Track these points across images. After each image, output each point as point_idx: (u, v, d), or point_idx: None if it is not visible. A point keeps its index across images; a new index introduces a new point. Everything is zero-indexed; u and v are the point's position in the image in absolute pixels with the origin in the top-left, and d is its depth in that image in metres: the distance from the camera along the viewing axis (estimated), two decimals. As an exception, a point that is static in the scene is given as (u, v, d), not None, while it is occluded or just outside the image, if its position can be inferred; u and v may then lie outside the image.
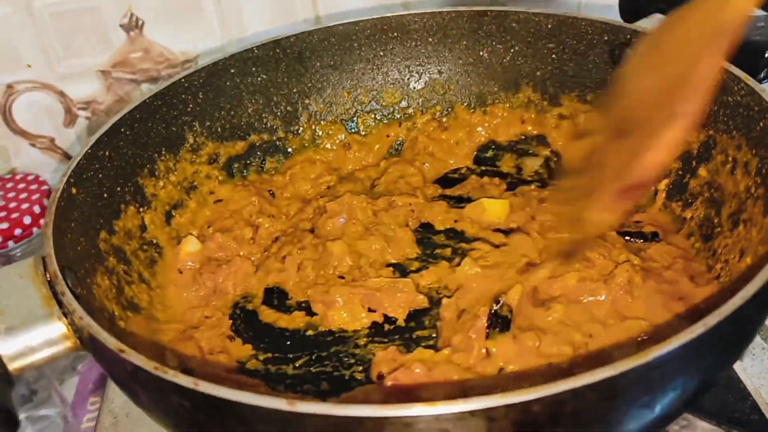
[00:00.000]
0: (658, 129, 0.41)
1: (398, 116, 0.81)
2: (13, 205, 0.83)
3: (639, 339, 0.52)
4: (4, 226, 0.80)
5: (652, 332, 0.53)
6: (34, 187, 0.86)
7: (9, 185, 0.87)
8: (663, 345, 0.36)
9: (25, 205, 0.83)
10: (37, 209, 0.83)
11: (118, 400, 0.64)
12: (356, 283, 0.61)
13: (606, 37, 0.69)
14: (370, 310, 0.60)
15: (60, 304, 0.45)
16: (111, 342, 0.40)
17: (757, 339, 0.63)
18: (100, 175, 0.61)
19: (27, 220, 0.82)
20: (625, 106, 0.47)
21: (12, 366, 0.44)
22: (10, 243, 0.81)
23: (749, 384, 0.57)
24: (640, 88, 0.45)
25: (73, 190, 0.56)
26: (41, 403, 0.70)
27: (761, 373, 0.59)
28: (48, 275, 0.46)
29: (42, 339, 0.45)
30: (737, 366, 0.58)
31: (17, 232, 0.81)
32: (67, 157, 0.95)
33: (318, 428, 0.36)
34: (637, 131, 0.43)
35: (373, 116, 0.81)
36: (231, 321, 0.61)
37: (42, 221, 0.83)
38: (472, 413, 0.34)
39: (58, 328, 0.45)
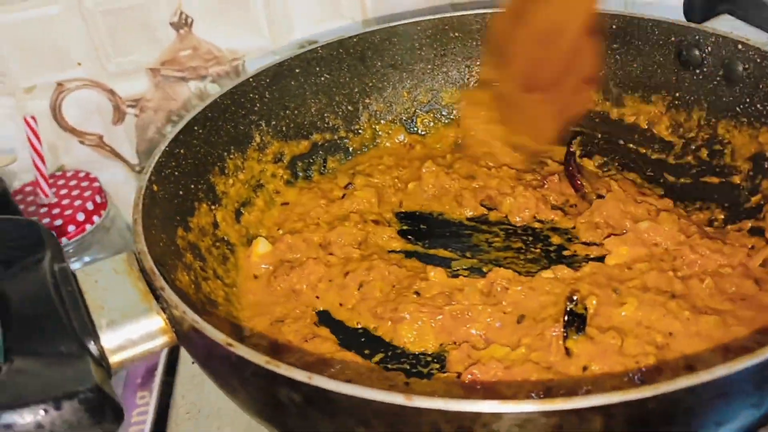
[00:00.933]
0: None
1: (457, 116, 0.81)
2: (65, 201, 0.85)
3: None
4: (58, 222, 0.81)
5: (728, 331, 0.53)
6: (85, 184, 0.88)
7: (60, 182, 0.88)
8: (727, 366, 0.36)
9: (77, 202, 0.85)
10: (89, 206, 0.84)
11: (189, 395, 0.65)
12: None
13: (673, 38, 0.69)
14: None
15: (158, 298, 0.46)
16: (219, 336, 0.40)
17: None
18: (177, 173, 0.62)
19: (80, 216, 0.83)
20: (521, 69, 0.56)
21: (113, 359, 0.44)
22: (64, 239, 0.82)
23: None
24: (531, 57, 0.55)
25: (155, 188, 0.57)
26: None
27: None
28: (144, 270, 0.47)
29: (142, 333, 0.45)
30: None
31: (71, 228, 0.82)
32: (115, 154, 0.96)
33: (434, 423, 0.36)
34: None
35: (432, 116, 0.81)
36: (314, 313, 0.61)
37: (95, 218, 0.84)
38: (593, 409, 0.34)
39: (156, 322, 0.46)
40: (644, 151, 0.73)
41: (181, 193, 0.62)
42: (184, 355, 0.72)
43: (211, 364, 0.45)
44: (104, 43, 0.87)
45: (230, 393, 0.46)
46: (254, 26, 0.90)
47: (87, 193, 0.86)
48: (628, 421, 0.36)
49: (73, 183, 0.88)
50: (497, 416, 0.35)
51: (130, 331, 0.45)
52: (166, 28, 0.88)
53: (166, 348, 0.46)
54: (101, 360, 0.44)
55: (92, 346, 0.43)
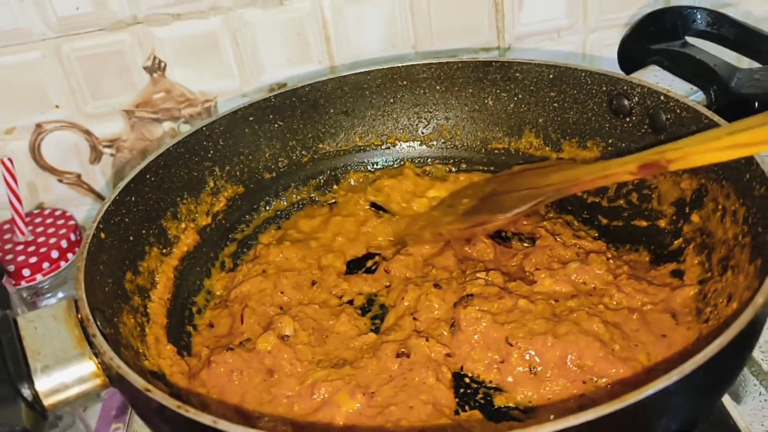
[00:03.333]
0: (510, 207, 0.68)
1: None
2: (41, 239, 0.87)
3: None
4: (33, 260, 0.84)
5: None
6: (61, 222, 0.90)
7: (38, 220, 0.91)
8: (642, 390, 0.39)
9: (52, 240, 0.87)
10: (64, 244, 0.86)
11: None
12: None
13: (604, 87, 0.73)
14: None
15: (91, 344, 0.49)
16: (138, 381, 0.44)
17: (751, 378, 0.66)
18: (127, 220, 0.65)
19: (54, 254, 0.85)
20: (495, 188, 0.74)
21: (47, 401, 0.47)
22: (38, 276, 0.84)
23: (741, 423, 0.60)
24: (506, 186, 0.73)
25: (102, 235, 0.60)
26: (66, 429, 0.73)
27: (753, 411, 0.62)
28: (80, 317, 0.50)
29: (75, 377, 0.48)
30: (729, 405, 0.61)
31: (45, 265, 0.84)
32: (93, 192, 0.99)
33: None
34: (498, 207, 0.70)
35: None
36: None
37: (69, 255, 0.87)
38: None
39: (89, 366, 0.49)
40: (581, 194, 0.76)
41: (131, 238, 0.65)
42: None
43: (138, 408, 0.49)
44: (81, 86, 0.91)
45: (156, 433, 0.49)
46: (225, 70, 0.93)
47: (62, 231, 0.88)
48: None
49: (49, 221, 0.91)
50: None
51: (63, 375, 0.48)
52: (140, 72, 0.92)
53: (100, 391, 0.49)
54: (35, 403, 0.47)
55: (25, 390, 0.46)
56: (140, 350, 0.59)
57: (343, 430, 0.53)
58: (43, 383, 0.47)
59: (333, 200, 0.82)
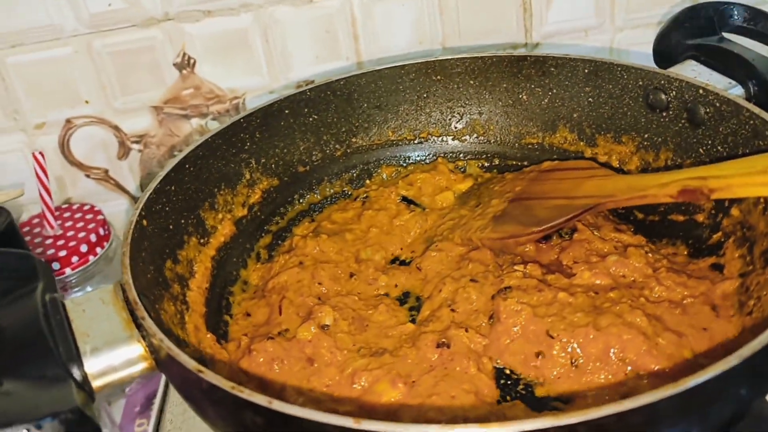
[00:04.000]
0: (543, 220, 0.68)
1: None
2: (70, 233, 0.88)
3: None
4: (62, 254, 0.84)
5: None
6: (90, 216, 0.91)
7: (66, 214, 0.92)
8: (699, 374, 0.39)
9: (81, 234, 0.88)
10: (93, 238, 0.87)
11: (176, 420, 0.69)
12: None
13: (641, 82, 0.73)
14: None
15: (139, 327, 0.49)
16: (190, 363, 0.44)
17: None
18: (167, 209, 0.65)
19: (83, 248, 0.86)
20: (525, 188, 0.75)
21: (95, 383, 0.48)
22: (67, 270, 0.85)
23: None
24: (537, 188, 0.73)
25: (144, 222, 0.61)
26: (91, 423, 0.73)
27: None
28: (128, 301, 0.51)
29: (123, 359, 0.49)
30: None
31: (74, 259, 0.85)
32: (120, 187, 1.00)
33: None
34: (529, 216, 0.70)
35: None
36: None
37: (98, 249, 0.87)
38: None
39: (137, 349, 0.49)
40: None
41: (171, 227, 0.66)
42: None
43: (185, 390, 0.49)
44: (111, 82, 0.92)
45: (204, 417, 0.49)
46: (254, 67, 0.94)
47: (91, 226, 0.89)
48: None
49: (78, 215, 0.92)
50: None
51: (111, 358, 0.49)
52: (169, 69, 0.93)
53: (146, 374, 0.50)
54: (84, 384, 0.47)
55: (75, 371, 0.47)
56: (181, 337, 0.59)
57: (389, 412, 0.53)
58: (92, 365, 0.48)
59: (365, 194, 0.82)
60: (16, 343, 0.46)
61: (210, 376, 0.43)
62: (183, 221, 0.68)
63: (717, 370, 0.39)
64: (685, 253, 0.68)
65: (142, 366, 0.49)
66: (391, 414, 0.53)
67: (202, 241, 0.70)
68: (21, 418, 0.42)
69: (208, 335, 0.62)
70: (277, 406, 0.40)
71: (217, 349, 0.61)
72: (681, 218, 0.70)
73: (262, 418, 0.42)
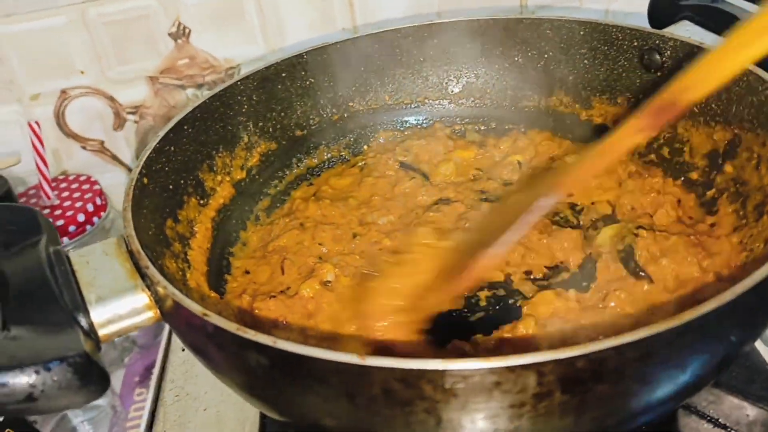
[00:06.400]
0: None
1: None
2: (67, 204, 0.89)
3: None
4: (60, 223, 0.85)
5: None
6: (86, 186, 0.91)
7: (63, 185, 0.92)
8: (693, 311, 0.40)
9: (78, 204, 0.88)
10: (90, 207, 0.88)
11: (178, 380, 0.69)
12: None
13: (636, 43, 0.73)
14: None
15: (143, 277, 0.50)
16: (195, 308, 0.44)
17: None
18: (167, 168, 0.66)
19: (80, 217, 0.87)
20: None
21: (102, 332, 0.48)
22: (65, 239, 0.85)
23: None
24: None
25: (145, 180, 0.61)
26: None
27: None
28: (131, 251, 0.51)
29: (128, 308, 0.49)
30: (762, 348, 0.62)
31: (71, 228, 0.86)
32: (116, 159, 1.00)
33: (386, 380, 0.40)
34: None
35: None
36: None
37: (95, 219, 0.88)
38: (525, 367, 0.38)
39: (142, 298, 0.50)
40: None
41: (170, 187, 0.66)
42: (175, 343, 0.76)
43: (191, 337, 0.49)
44: (106, 52, 0.92)
45: (209, 364, 0.50)
46: (248, 36, 0.94)
47: (88, 196, 0.89)
48: (560, 379, 0.39)
49: (74, 186, 0.92)
50: (440, 373, 0.39)
51: (117, 307, 0.49)
52: (164, 39, 0.93)
53: (152, 324, 0.50)
54: (90, 332, 0.48)
55: (82, 319, 0.47)
56: (184, 292, 0.59)
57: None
58: (98, 313, 0.48)
59: (362, 162, 0.82)
60: (23, 292, 0.47)
61: (215, 319, 0.43)
62: (182, 182, 0.68)
63: (712, 306, 0.40)
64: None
65: (147, 315, 0.50)
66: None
67: (201, 202, 0.71)
68: (29, 361, 0.42)
69: (212, 294, 0.63)
70: (282, 345, 0.41)
71: (223, 308, 0.62)
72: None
73: (266, 359, 0.42)
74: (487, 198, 0.75)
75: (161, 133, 0.66)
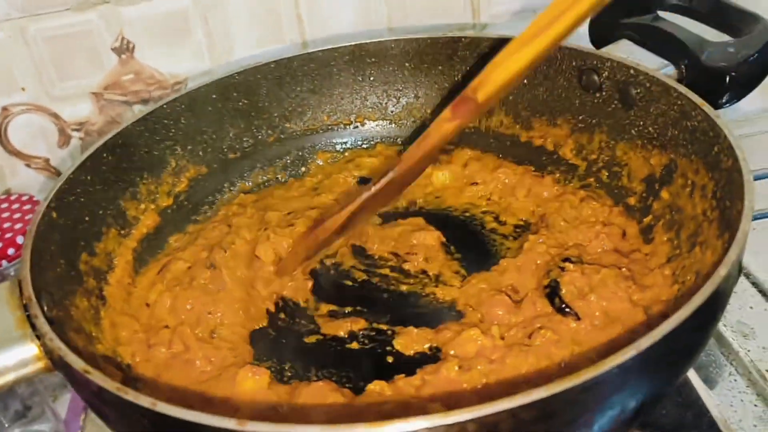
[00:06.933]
0: None
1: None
2: (6, 225, 0.85)
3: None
4: (-1, 245, 0.83)
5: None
6: (27, 207, 0.88)
7: (4, 205, 0.89)
8: (594, 368, 0.38)
9: (18, 225, 0.85)
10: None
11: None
12: None
13: (574, 63, 0.71)
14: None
15: (33, 326, 0.47)
16: (78, 363, 0.42)
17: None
18: (83, 199, 0.63)
19: (20, 239, 0.83)
20: None
21: (-14, 385, 0.46)
22: (4, 262, 0.82)
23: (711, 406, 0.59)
24: None
25: (54, 215, 0.59)
26: (35, 419, 0.72)
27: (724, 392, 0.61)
28: (23, 298, 0.48)
29: (16, 360, 0.47)
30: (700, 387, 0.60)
31: (10, 251, 0.83)
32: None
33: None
34: None
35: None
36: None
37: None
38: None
39: (30, 349, 0.47)
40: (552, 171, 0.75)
41: (86, 218, 0.63)
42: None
43: (81, 390, 0.47)
44: (48, 68, 0.89)
45: (101, 417, 0.47)
46: (195, 51, 0.92)
47: (28, 216, 0.86)
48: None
49: (15, 206, 0.89)
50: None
51: (4, 358, 0.47)
52: (108, 54, 0.90)
53: (42, 375, 0.48)
54: (-26, 386, 0.45)
55: (-37, 373, 0.45)
56: (93, 334, 0.57)
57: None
58: (-18, 365, 0.46)
59: (315, 187, 0.79)
60: None
61: (96, 377, 0.41)
62: (101, 212, 0.66)
63: (614, 363, 0.38)
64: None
65: (36, 366, 0.47)
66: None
67: (123, 232, 0.68)
68: None
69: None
70: (162, 408, 0.39)
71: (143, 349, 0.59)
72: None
73: (148, 420, 0.40)
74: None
75: (76, 163, 0.63)
